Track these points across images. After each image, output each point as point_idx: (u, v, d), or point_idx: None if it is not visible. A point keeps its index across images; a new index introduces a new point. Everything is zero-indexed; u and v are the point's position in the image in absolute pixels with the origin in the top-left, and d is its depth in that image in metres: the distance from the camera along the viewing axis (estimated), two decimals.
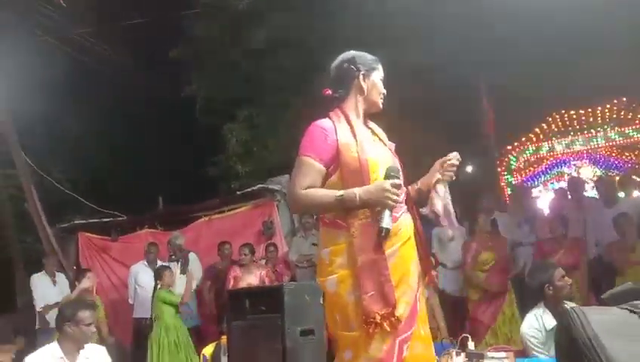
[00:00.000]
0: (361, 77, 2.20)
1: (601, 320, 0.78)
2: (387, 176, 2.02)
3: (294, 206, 2.14)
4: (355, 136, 2.10)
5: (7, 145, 7.72)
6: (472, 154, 10.87)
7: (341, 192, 1.99)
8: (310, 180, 2.05)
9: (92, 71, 10.26)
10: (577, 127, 10.35)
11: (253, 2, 9.22)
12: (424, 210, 2.24)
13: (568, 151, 10.92)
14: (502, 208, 6.72)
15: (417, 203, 2.24)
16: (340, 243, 2.04)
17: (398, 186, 2.00)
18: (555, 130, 10.40)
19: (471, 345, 3.15)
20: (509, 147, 10.25)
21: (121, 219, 8.18)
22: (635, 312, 0.76)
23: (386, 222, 1.97)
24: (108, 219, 8.26)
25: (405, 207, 2.17)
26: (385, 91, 2.28)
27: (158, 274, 5.59)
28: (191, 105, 10.11)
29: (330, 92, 2.25)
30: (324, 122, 2.14)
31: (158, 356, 5.29)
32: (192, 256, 6.54)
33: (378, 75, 2.25)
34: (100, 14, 9.78)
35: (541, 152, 11.12)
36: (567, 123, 10.28)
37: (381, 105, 2.27)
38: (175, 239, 6.55)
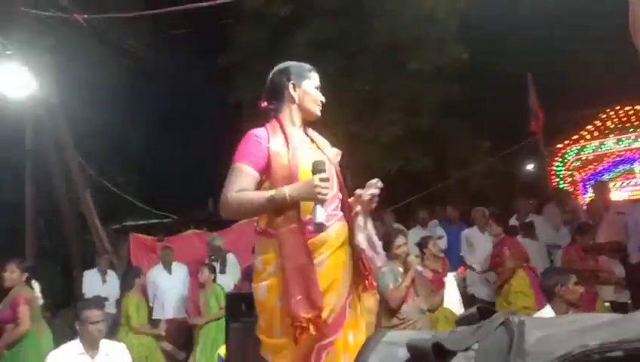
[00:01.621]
0: (290, 86, 2.23)
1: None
2: (315, 171, 2.02)
3: (224, 209, 2.06)
4: (287, 144, 2.12)
5: (64, 150, 8.27)
6: (521, 153, 10.54)
7: (271, 192, 2.01)
8: (242, 185, 2.06)
9: (147, 79, 10.80)
10: (636, 123, 9.80)
11: (295, 8, 9.37)
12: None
13: (632, 148, 10.37)
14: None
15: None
16: (270, 252, 2.08)
17: (326, 180, 1.99)
18: (612, 126, 9.90)
19: None
20: (560, 145, 9.85)
21: (168, 220, 8.56)
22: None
23: (319, 216, 1.98)
24: (157, 221, 8.69)
25: (340, 214, 2.18)
26: (323, 98, 2.29)
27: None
28: (238, 110, 10.39)
29: (265, 104, 2.28)
30: (259, 131, 2.17)
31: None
32: (230, 256, 6.77)
33: (311, 83, 2.27)
34: (152, 25, 10.28)
35: (601, 149, 10.63)
36: (625, 119, 9.75)
37: (318, 113, 2.28)
38: (214, 241, 6.82)
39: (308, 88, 2.26)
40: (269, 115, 2.26)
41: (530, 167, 13.15)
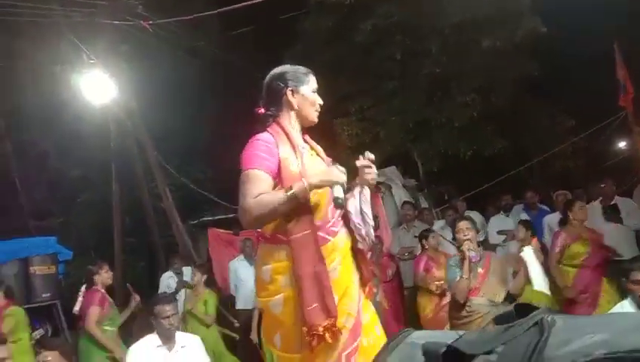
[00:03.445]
0: (289, 92, 2.14)
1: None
2: (335, 203, 2.01)
3: (246, 216, 1.93)
4: (295, 150, 2.06)
5: (145, 150, 8.72)
6: (610, 131, 9.81)
7: (290, 188, 1.93)
8: (261, 190, 1.95)
9: (219, 77, 11.13)
10: None
11: None
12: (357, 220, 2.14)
13: None
14: None
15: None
16: (282, 261, 1.99)
17: (342, 169, 1.98)
18: None
19: None
20: None
21: None
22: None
23: (339, 192, 1.96)
24: (233, 215, 8.93)
25: (342, 221, 2.12)
26: (321, 102, 2.20)
27: None
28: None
29: (262, 110, 2.19)
30: (266, 136, 2.08)
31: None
32: None
33: (308, 87, 2.17)
34: (219, 24, 10.56)
35: None
36: None
37: (316, 118, 2.20)
38: None
39: (306, 93, 2.16)
40: (268, 120, 2.16)
41: (621, 145, 12.22)
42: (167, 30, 8.53)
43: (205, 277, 5.97)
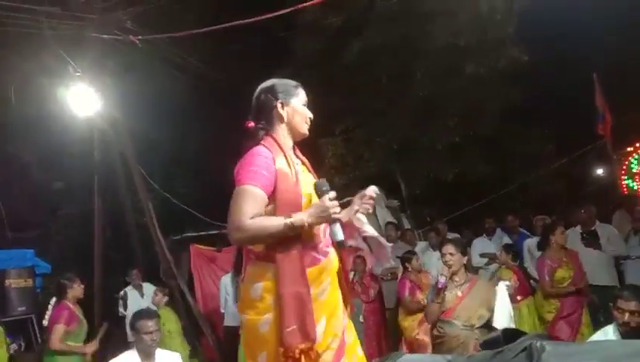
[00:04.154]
0: (279, 105, 2.13)
1: None
2: (319, 193, 1.99)
3: (240, 234, 1.91)
4: (290, 165, 2.05)
5: (128, 164, 8.64)
6: (589, 158, 10.02)
7: (290, 219, 1.91)
8: (256, 209, 1.93)
9: (206, 93, 11.14)
10: None
11: (350, 17, 9.40)
12: (351, 242, 2.19)
13: None
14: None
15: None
16: (270, 279, 1.97)
17: (334, 198, 1.95)
18: None
19: None
20: (630, 148, 9.26)
21: (226, 231, 8.73)
22: None
23: (339, 235, 1.97)
24: (216, 231, 8.88)
25: (331, 241, 2.11)
26: (311, 115, 2.20)
27: None
28: None
29: (252, 124, 2.16)
30: (263, 150, 2.05)
31: None
32: None
33: (299, 100, 2.16)
34: (211, 41, 10.60)
35: None
36: None
37: (307, 131, 2.19)
38: None
39: (296, 106, 2.15)
40: (258, 134, 2.13)
41: (599, 172, 12.46)
42: (155, 45, 8.56)
43: (166, 299, 6.12)
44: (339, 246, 2.01)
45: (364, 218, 2.23)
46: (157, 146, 10.12)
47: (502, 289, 3.85)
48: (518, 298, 4.93)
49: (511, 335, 0.76)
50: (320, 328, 1.95)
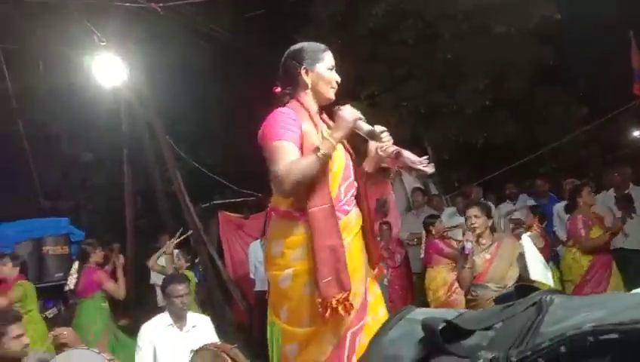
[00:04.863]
0: (302, 72, 2.16)
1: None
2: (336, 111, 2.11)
3: (282, 185, 1.97)
4: (315, 125, 2.10)
5: (156, 133, 8.75)
6: (624, 120, 9.69)
7: (320, 150, 1.98)
8: (292, 159, 2.01)
9: (232, 61, 11.09)
10: None
11: None
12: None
13: None
14: None
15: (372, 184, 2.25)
16: (296, 235, 2.04)
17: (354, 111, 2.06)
18: None
19: None
20: None
21: (253, 198, 8.83)
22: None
23: (365, 126, 2.07)
24: (243, 199, 8.99)
25: (355, 201, 2.17)
26: (338, 78, 2.20)
27: None
28: None
29: (279, 89, 2.22)
30: (286, 110, 2.12)
31: None
32: None
33: (324, 65, 2.18)
34: (232, 8, 10.51)
35: None
36: None
37: (332, 95, 2.21)
38: None
39: (321, 71, 2.18)
40: (285, 99, 2.19)
41: (635, 134, 12.06)
42: (178, 13, 8.52)
43: (188, 264, 6.36)
44: (369, 137, 2.08)
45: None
46: (183, 115, 10.18)
47: (527, 241, 3.82)
48: None
49: (524, 290, 0.74)
50: None
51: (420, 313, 0.81)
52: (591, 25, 8.73)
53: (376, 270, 2.22)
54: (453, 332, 0.67)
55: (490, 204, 6.88)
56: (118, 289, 5.26)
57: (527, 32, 8.55)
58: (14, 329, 2.72)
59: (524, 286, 0.82)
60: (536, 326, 0.61)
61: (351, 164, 2.20)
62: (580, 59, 9.31)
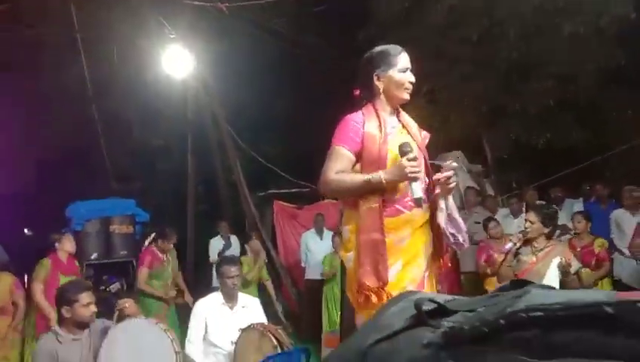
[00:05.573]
0: (375, 78, 2.29)
1: None
2: (402, 153, 2.15)
3: (324, 188, 2.27)
4: (381, 129, 2.22)
5: (219, 124, 9.13)
6: None
7: (368, 176, 2.16)
8: (341, 166, 2.22)
9: (294, 56, 11.32)
10: None
11: None
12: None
13: None
14: None
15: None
16: (354, 224, 2.25)
17: (414, 159, 2.13)
18: None
19: None
20: None
21: (308, 189, 9.03)
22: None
23: (417, 193, 2.13)
24: (298, 189, 9.23)
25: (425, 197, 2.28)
26: (413, 79, 2.30)
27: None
28: None
29: (358, 92, 2.38)
30: (356, 115, 2.30)
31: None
32: None
33: (396, 69, 2.27)
34: (296, 5, 10.71)
35: None
36: None
37: (407, 96, 2.32)
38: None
39: (393, 75, 2.28)
40: (362, 102, 2.35)
41: None
42: (243, 10, 8.81)
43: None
44: (416, 203, 2.17)
45: (443, 203, 2.29)
46: (245, 107, 10.51)
47: (553, 266, 3.79)
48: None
49: (519, 285, 0.84)
50: (394, 270, 2.17)
51: (420, 296, 0.92)
52: None
53: (441, 262, 2.37)
54: (441, 312, 0.78)
55: (554, 208, 6.76)
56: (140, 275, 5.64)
57: (598, 31, 8.21)
58: (84, 298, 3.02)
59: (520, 281, 0.92)
60: (510, 306, 0.72)
61: (423, 162, 2.31)
62: None
